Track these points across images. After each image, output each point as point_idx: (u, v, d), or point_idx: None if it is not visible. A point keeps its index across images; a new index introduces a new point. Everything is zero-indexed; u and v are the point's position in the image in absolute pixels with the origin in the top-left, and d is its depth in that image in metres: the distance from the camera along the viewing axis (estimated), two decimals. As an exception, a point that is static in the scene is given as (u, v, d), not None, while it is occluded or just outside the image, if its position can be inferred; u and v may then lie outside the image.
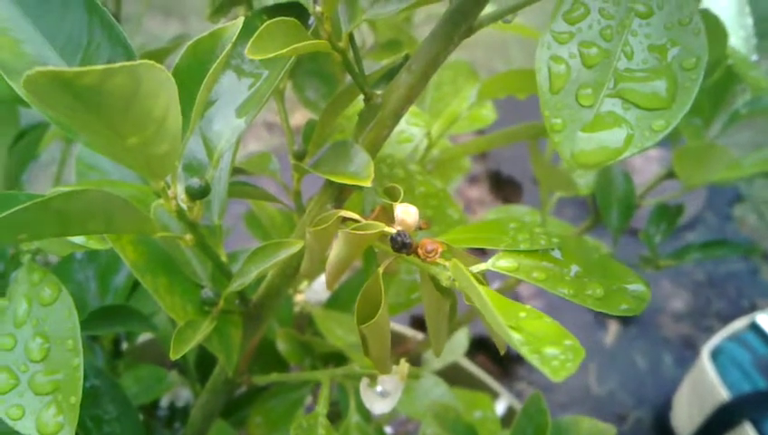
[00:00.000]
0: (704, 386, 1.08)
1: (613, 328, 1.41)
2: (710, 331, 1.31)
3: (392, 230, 0.27)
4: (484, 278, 0.28)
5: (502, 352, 0.28)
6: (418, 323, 1.19)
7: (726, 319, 1.24)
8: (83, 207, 0.24)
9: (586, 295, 0.27)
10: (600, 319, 1.40)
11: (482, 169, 1.76)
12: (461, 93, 0.57)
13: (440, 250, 0.26)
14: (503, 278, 0.75)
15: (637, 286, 0.29)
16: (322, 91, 0.52)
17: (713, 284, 1.51)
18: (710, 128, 0.57)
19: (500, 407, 0.71)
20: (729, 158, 0.46)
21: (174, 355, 0.29)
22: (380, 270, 0.27)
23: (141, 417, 0.55)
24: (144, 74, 0.21)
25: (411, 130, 0.48)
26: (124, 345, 0.53)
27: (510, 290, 0.72)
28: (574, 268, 0.28)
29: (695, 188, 0.53)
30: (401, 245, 0.26)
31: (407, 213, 0.27)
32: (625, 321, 1.41)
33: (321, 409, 0.35)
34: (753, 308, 1.42)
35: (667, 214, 0.57)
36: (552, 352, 0.20)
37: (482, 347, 1.30)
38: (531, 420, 0.41)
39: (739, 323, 1.13)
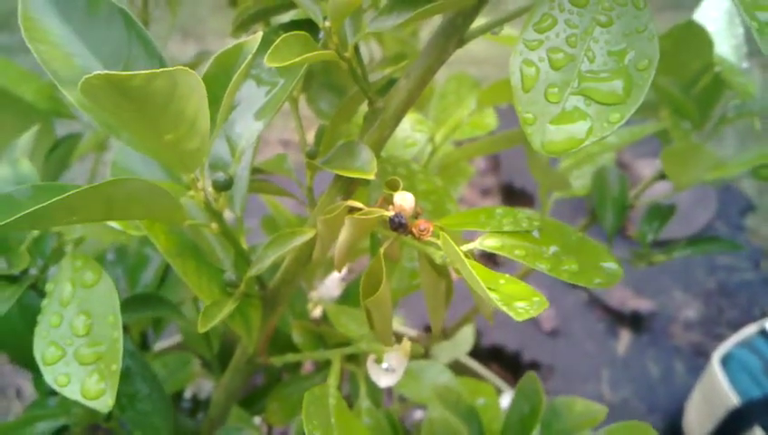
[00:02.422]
0: (714, 392, 1.08)
1: (625, 337, 1.43)
2: (721, 339, 1.32)
3: (391, 213, 0.31)
4: (473, 255, 0.32)
5: (491, 322, 0.32)
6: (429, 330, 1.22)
7: (738, 327, 1.25)
8: (128, 193, 0.28)
9: (562, 270, 0.30)
10: (612, 328, 1.42)
11: (494, 181, 1.79)
12: (464, 103, 0.61)
13: (431, 229, 0.30)
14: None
15: (610, 264, 0.32)
16: (334, 102, 0.57)
17: (724, 293, 1.52)
18: (702, 132, 0.60)
19: (505, 400, 0.74)
20: (713, 158, 0.50)
21: (201, 328, 0.33)
22: (382, 250, 0.31)
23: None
24: (179, 78, 0.25)
25: (416, 136, 0.52)
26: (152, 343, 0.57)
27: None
28: (553, 248, 0.32)
29: (685, 188, 0.57)
30: (398, 225, 0.30)
31: (404, 199, 0.31)
32: (637, 329, 1.43)
33: (333, 380, 0.38)
34: (764, 317, 1.43)
35: (660, 213, 0.60)
36: (521, 304, 0.24)
37: (496, 356, 1.32)
38: (527, 399, 0.44)
39: (749, 330, 1.14)
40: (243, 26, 0.40)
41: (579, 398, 0.46)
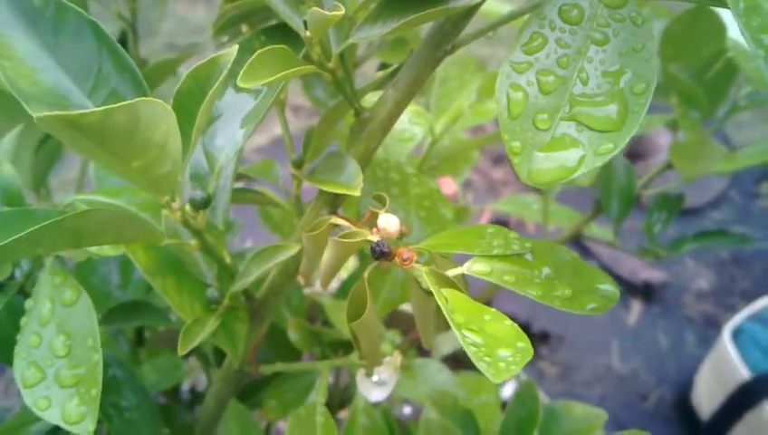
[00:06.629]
0: (725, 365, 1.08)
1: (636, 307, 1.42)
2: (734, 310, 1.31)
3: (374, 239, 0.29)
4: (464, 279, 0.31)
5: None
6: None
7: (751, 298, 1.24)
8: (95, 224, 0.27)
9: (554, 296, 0.29)
10: (623, 298, 1.41)
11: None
12: (467, 89, 0.59)
13: (415, 258, 0.28)
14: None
15: (606, 286, 0.31)
16: (330, 90, 0.55)
17: (738, 262, 1.50)
18: (712, 119, 0.58)
19: (507, 391, 0.73)
20: (721, 152, 0.48)
21: (181, 351, 0.32)
22: (366, 275, 0.30)
23: (164, 400, 0.59)
24: (143, 109, 0.24)
25: (413, 130, 0.50)
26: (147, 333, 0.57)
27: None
28: (545, 270, 0.30)
29: (694, 179, 0.55)
30: (380, 254, 0.29)
31: (387, 223, 0.30)
32: (648, 300, 1.42)
33: (320, 398, 0.38)
34: (777, 287, 1.42)
35: (668, 203, 0.58)
36: (504, 353, 0.22)
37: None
38: (524, 405, 0.43)
39: (760, 303, 1.13)
40: (224, 28, 0.38)
41: (578, 403, 0.45)
